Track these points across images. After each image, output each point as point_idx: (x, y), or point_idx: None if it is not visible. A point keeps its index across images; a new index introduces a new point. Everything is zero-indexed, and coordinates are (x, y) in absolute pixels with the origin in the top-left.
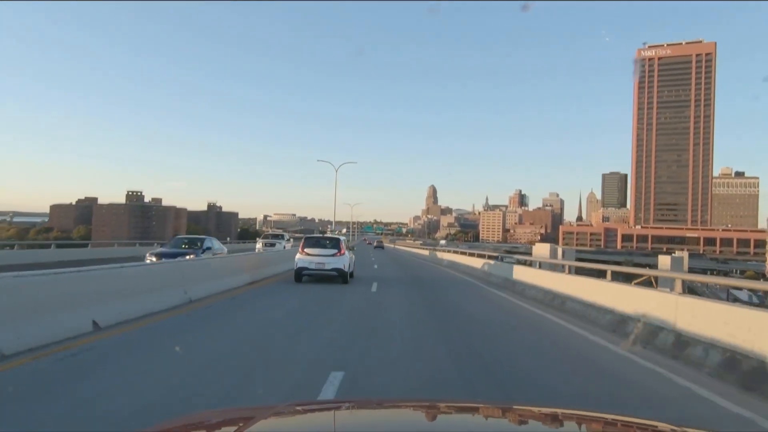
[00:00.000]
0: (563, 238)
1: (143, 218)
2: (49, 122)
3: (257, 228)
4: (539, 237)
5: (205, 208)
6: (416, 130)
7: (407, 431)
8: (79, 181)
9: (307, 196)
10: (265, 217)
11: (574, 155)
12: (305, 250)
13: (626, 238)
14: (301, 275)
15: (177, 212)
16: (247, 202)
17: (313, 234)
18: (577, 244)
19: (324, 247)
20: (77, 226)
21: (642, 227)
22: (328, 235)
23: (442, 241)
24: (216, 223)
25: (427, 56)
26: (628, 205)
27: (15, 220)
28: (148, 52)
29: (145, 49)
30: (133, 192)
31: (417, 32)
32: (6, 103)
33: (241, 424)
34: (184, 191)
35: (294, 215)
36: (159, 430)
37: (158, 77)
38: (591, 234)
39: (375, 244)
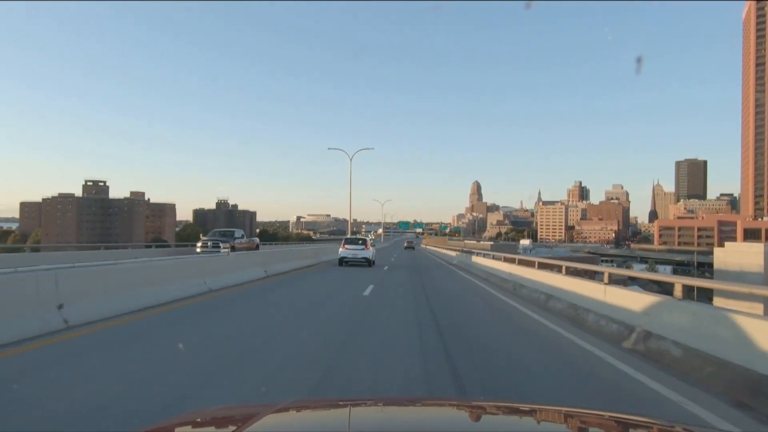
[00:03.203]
0: (659, 236)
1: (103, 215)
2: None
3: (290, 230)
4: (613, 234)
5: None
6: (456, 124)
7: (408, 429)
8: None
9: (342, 197)
10: (298, 218)
11: (636, 144)
12: (345, 246)
13: (749, 233)
14: (342, 262)
15: (159, 209)
16: (283, 204)
17: (343, 234)
18: (679, 243)
19: (357, 243)
20: (38, 228)
21: None
22: (360, 236)
23: (525, 242)
24: (227, 222)
25: (471, 48)
26: (717, 192)
27: None
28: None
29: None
30: (93, 182)
31: (455, 18)
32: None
33: (240, 425)
34: (226, 195)
35: (328, 215)
36: (161, 428)
37: (191, 91)
38: (699, 229)
39: (405, 244)
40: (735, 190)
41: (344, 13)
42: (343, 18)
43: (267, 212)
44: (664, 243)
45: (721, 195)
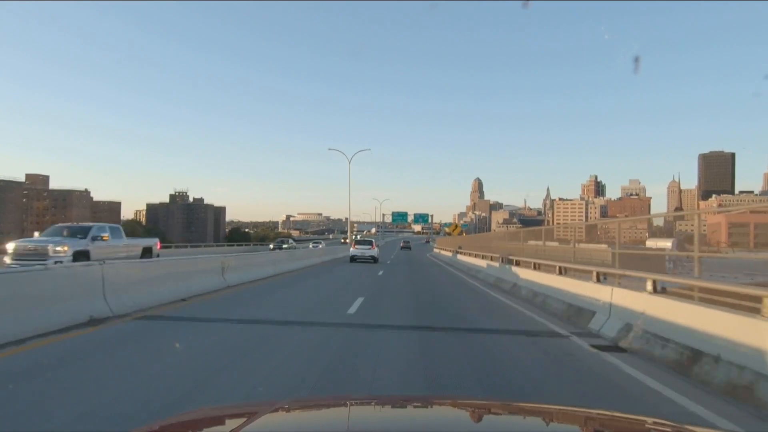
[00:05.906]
0: (728, 234)
1: None
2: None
3: (280, 230)
4: (647, 234)
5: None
6: (454, 123)
7: (407, 428)
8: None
9: (336, 197)
10: (288, 217)
11: (640, 142)
12: (355, 246)
13: None
14: (353, 259)
15: (62, 198)
16: (279, 204)
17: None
18: (756, 244)
19: (364, 244)
20: None
21: None
22: (366, 237)
23: (665, 244)
24: (185, 219)
25: (475, 39)
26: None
27: None
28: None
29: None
30: None
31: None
32: None
33: (239, 424)
34: (228, 196)
35: (320, 215)
36: (161, 427)
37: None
38: None
39: (402, 244)
40: (756, 187)
41: (343, 14)
42: (341, 18)
43: (261, 212)
44: (735, 243)
45: (741, 192)
